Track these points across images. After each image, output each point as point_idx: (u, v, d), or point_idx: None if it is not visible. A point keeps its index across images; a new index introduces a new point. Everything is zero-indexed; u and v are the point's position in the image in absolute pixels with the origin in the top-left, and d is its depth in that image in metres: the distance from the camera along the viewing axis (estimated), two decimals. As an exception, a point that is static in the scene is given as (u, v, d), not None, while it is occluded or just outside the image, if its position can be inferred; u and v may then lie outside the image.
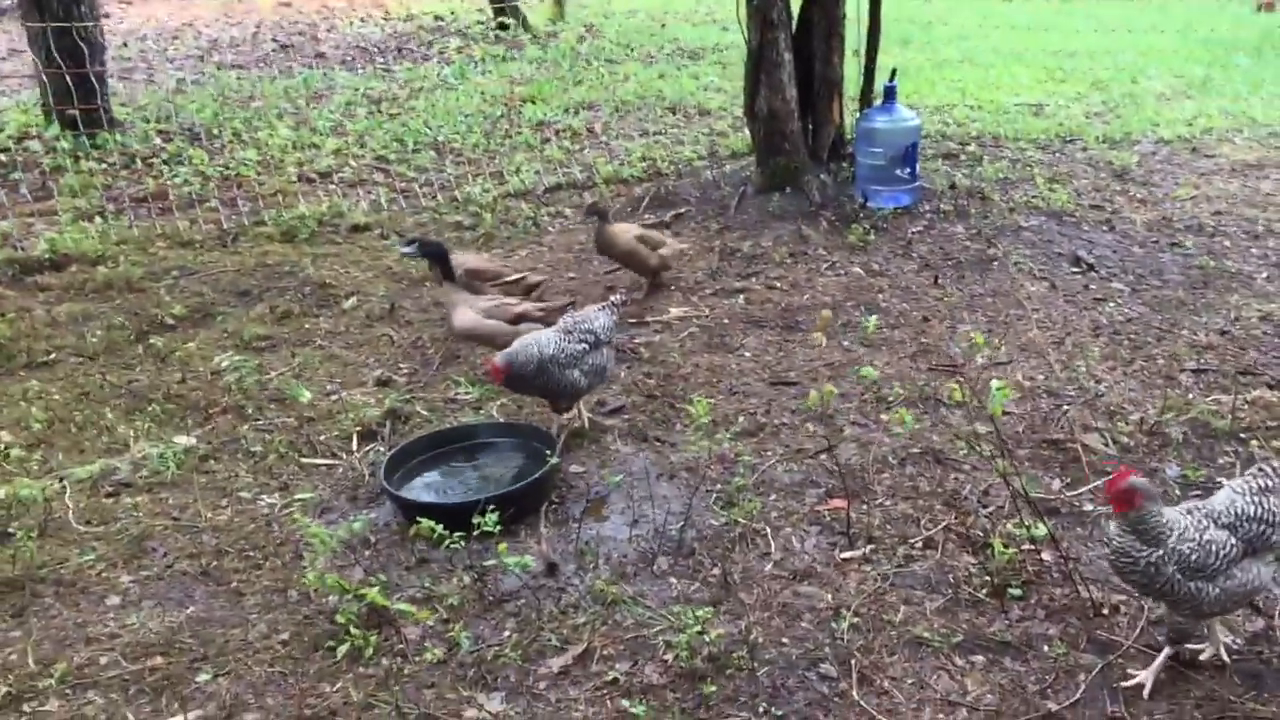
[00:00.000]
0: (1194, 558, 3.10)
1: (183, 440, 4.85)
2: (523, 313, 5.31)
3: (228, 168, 8.95)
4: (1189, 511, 3.22)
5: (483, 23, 16.06)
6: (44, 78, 9.43)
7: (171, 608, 3.75)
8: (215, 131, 9.92)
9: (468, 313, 5.19)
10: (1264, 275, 6.44)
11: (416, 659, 3.43)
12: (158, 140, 9.70)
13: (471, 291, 5.55)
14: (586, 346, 4.66)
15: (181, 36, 15.58)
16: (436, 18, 17.05)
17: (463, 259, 5.81)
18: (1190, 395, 5.00)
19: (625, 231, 6.32)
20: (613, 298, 4.98)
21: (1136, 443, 4.63)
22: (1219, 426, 4.66)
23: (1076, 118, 10.27)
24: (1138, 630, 3.51)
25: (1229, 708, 3.17)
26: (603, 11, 17.25)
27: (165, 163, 9.05)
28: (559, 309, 5.32)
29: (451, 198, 8.39)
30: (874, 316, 5.05)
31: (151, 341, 5.91)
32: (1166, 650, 3.31)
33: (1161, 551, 3.10)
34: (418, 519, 3.86)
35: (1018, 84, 11.86)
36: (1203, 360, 5.38)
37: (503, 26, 15.41)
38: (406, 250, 5.54)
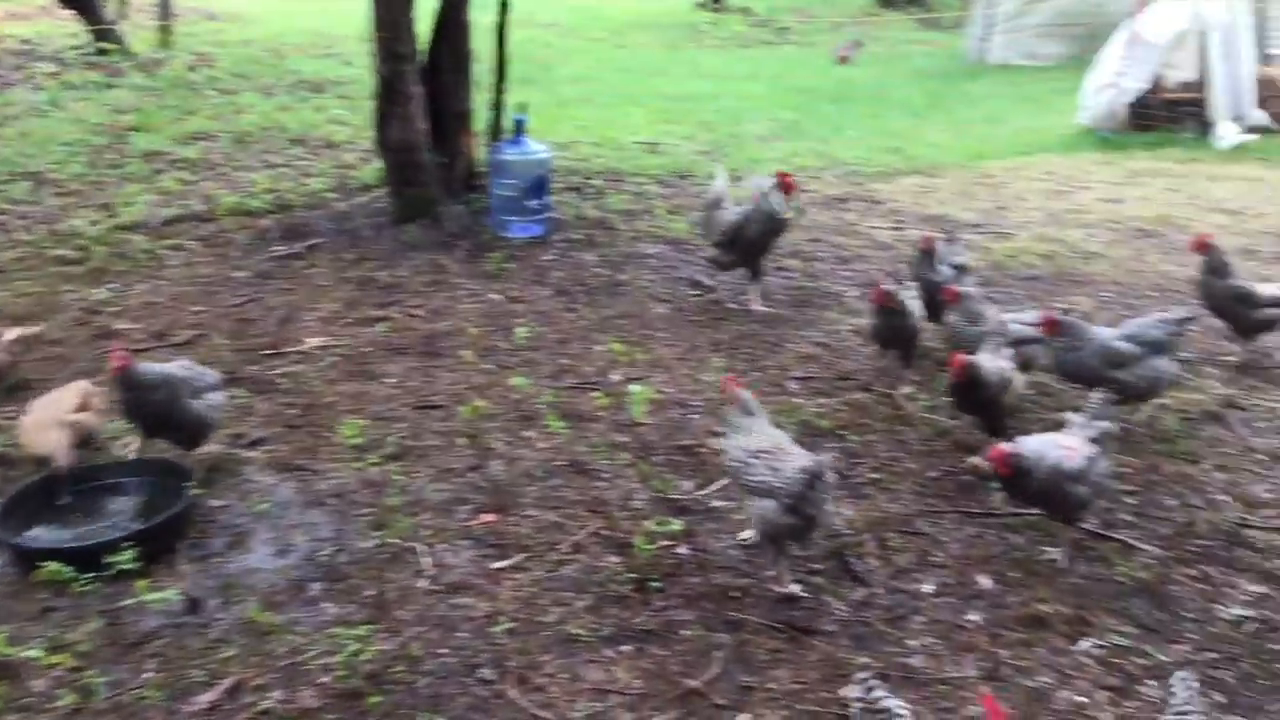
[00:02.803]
0: None
1: None
2: None
3: None
4: None
5: (78, 47, 14.87)
6: None
7: None
8: None
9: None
10: (853, 294, 7.22)
11: (45, 709, 3.17)
12: None
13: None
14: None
15: None
16: (23, 40, 15.62)
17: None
18: (797, 399, 5.54)
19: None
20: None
21: (755, 443, 5.07)
22: (823, 425, 5.21)
23: (688, 155, 11.04)
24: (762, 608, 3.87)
25: (841, 666, 3.57)
26: (215, 40, 16.51)
27: None
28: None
29: (53, 231, 7.75)
30: (523, 330, 5.18)
31: None
32: None
33: None
34: (38, 565, 3.57)
35: (634, 124, 12.59)
36: (807, 369, 5.97)
37: (101, 52, 14.37)
38: None
